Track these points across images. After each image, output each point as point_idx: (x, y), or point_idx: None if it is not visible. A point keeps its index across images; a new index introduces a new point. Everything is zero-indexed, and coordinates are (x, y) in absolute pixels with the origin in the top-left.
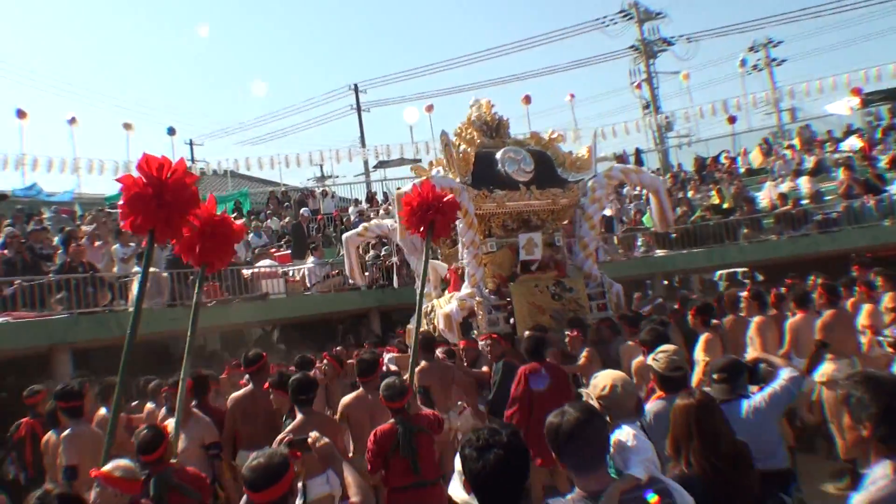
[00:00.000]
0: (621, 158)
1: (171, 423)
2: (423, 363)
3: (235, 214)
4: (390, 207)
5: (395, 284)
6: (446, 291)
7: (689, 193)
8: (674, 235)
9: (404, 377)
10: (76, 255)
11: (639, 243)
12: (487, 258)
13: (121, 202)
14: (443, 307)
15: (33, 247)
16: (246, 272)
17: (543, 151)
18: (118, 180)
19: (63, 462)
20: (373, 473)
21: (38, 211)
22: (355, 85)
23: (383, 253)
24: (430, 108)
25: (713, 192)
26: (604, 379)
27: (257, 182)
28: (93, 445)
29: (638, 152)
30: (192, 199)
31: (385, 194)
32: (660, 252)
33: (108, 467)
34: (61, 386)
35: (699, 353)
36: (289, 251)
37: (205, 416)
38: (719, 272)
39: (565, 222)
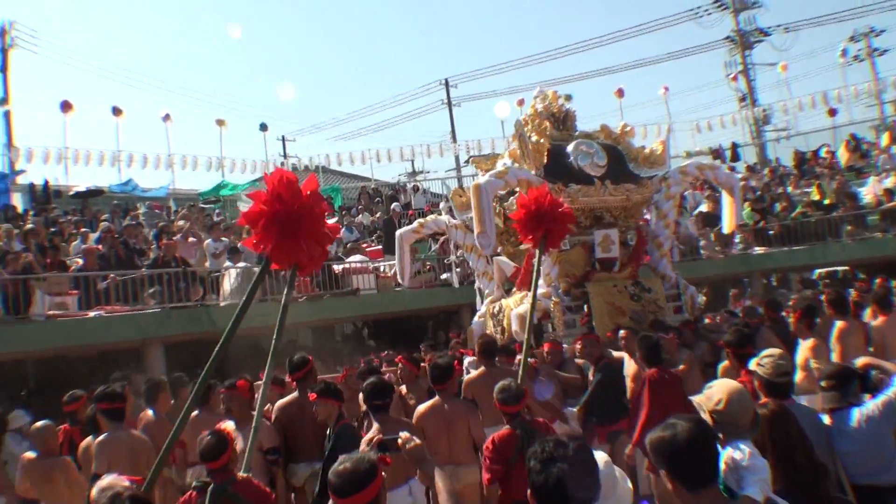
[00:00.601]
0: (717, 153)
1: (228, 425)
2: (479, 370)
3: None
4: (449, 204)
5: (456, 283)
6: (513, 290)
7: (789, 189)
8: (772, 232)
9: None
10: (168, 249)
11: (737, 240)
12: (560, 256)
13: (243, 216)
14: (514, 308)
15: (127, 241)
16: (337, 267)
17: (614, 146)
18: (250, 196)
19: (94, 469)
20: (492, 483)
21: (133, 206)
22: (446, 80)
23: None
24: (521, 103)
25: (813, 188)
26: (719, 391)
27: (348, 177)
28: (129, 452)
29: (734, 146)
30: (316, 226)
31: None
32: (759, 249)
33: (94, 488)
34: (102, 388)
35: (807, 359)
36: (380, 246)
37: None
38: (818, 271)
39: (644, 219)
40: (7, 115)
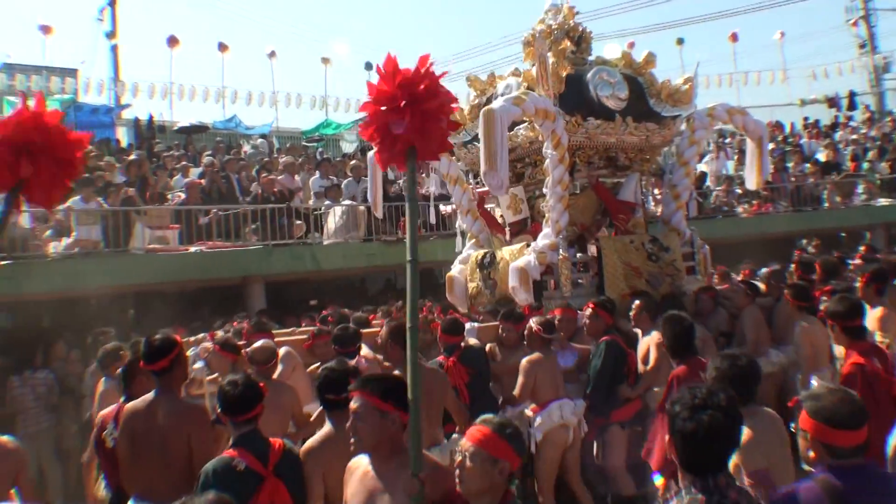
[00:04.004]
0: (833, 101)
1: None
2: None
3: None
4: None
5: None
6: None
7: None
8: None
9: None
10: (268, 185)
11: (859, 190)
12: (569, 201)
13: None
14: (512, 259)
15: (230, 176)
16: (444, 209)
17: (635, 77)
18: None
19: None
20: None
21: (237, 143)
22: None
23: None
24: (631, 45)
25: None
26: None
27: None
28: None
29: (852, 95)
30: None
31: None
32: (883, 201)
33: None
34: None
35: (873, 331)
36: None
37: None
38: None
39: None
40: (114, 49)
